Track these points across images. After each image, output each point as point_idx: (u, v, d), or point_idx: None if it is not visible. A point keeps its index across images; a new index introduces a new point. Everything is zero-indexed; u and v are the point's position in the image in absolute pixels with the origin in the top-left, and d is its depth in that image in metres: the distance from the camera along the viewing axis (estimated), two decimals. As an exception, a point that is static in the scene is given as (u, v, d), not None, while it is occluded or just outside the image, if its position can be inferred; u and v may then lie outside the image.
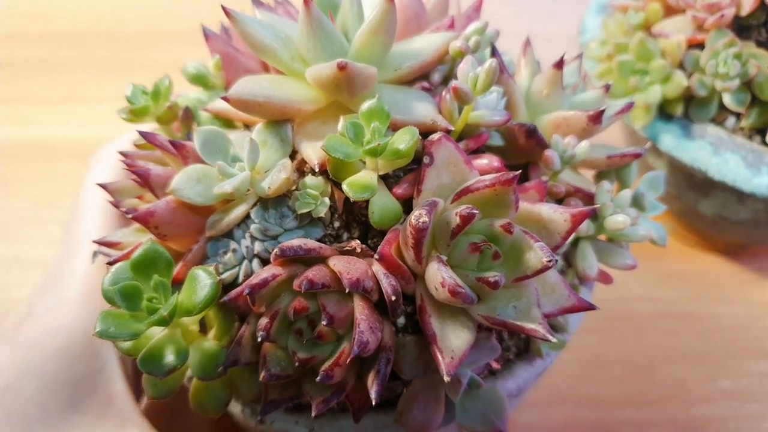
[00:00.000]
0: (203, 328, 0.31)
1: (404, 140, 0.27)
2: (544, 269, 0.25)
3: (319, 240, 0.30)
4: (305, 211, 0.29)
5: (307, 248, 0.27)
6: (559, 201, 0.34)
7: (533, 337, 0.27)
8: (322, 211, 0.29)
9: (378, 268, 0.27)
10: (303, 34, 0.29)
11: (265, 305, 0.27)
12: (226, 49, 0.35)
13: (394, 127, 0.29)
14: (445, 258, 0.26)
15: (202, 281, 0.26)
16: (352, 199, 0.27)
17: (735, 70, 0.46)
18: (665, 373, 0.59)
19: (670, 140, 0.51)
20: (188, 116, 0.36)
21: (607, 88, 0.36)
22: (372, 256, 0.29)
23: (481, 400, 0.31)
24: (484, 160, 0.30)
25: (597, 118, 0.32)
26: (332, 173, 0.29)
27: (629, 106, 0.35)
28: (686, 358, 0.60)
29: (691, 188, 0.56)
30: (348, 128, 0.27)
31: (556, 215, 0.27)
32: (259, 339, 0.26)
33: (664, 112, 0.52)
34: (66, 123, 0.84)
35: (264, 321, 0.27)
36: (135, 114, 0.35)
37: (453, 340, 0.26)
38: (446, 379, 0.25)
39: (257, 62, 0.36)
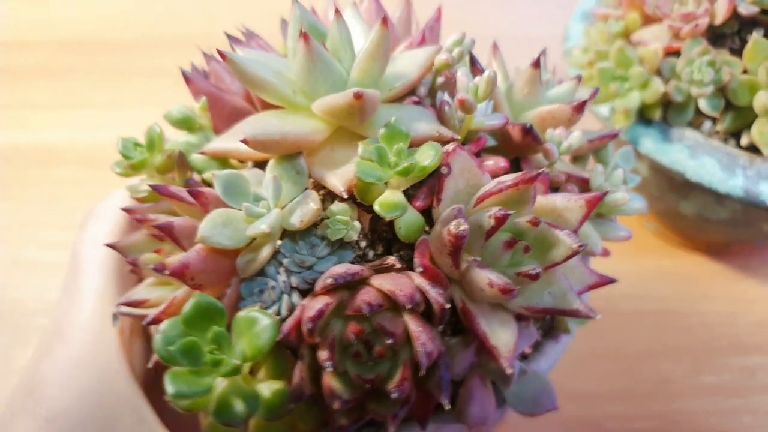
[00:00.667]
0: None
1: (429, 156, 0.28)
2: (574, 254, 0.27)
3: (351, 262, 0.30)
4: (338, 237, 0.29)
5: (353, 272, 0.28)
6: (556, 189, 0.36)
7: (576, 317, 0.28)
8: (354, 236, 0.30)
9: (421, 281, 0.28)
10: (303, 67, 0.29)
11: (319, 335, 0.28)
12: (209, 89, 0.35)
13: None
14: (479, 259, 0.27)
15: (262, 323, 0.26)
16: (386, 219, 0.28)
17: (709, 77, 0.48)
18: (650, 369, 0.61)
19: (649, 144, 0.54)
20: (183, 163, 0.35)
21: (582, 83, 0.37)
22: (404, 269, 0.30)
23: (528, 385, 0.34)
24: (491, 162, 0.32)
25: (580, 108, 0.34)
26: (359, 197, 0.30)
27: (595, 92, 0.37)
28: (671, 354, 0.62)
29: (672, 190, 0.58)
30: (373, 153, 0.28)
31: (571, 203, 0.29)
32: (330, 369, 0.27)
33: (643, 116, 0.54)
34: (64, 127, 0.86)
35: (325, 352, 0.27)
36: (134, 168, 0.34)
37: (502, 336, 0.27)
38: (509, 371, 0.27)
39: (242, 99, 0.36)
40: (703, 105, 0.50)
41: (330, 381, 0.28)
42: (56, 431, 0.31)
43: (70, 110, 0.89)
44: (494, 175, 0.31)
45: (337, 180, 0.29)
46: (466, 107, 0.30)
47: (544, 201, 0.29)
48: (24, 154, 0.82)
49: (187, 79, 0.36)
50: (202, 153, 0.33)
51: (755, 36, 0.48)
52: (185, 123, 0.37)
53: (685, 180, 0.52)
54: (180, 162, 0.35)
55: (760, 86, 0.47)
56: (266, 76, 0.30)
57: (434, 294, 0.28)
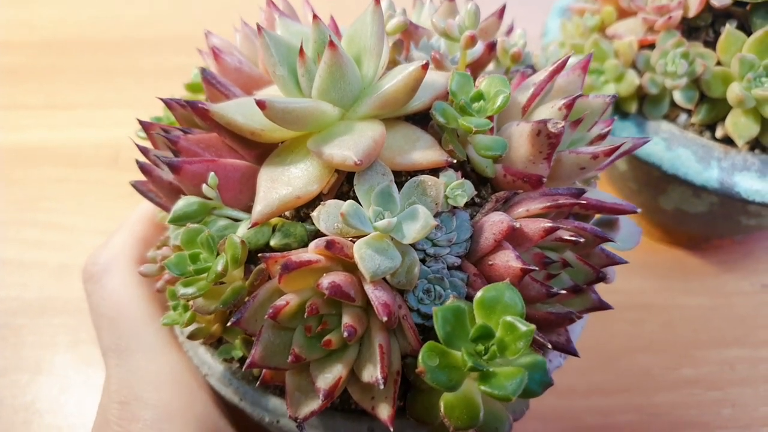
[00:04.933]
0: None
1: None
2: None
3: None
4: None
5: None
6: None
7: None
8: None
9: None
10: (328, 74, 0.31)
11: None
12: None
13: None
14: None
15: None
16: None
17: (683, 69, 0.48)
18: (630, 363, 0.61)
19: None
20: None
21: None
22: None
23: None
24: None
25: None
26: None
27: (589, 58, 0.37)
28: (650, 348, 0.62)
29: (650, 184, 0.59)
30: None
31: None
32: None
33: (619, 109, 0.54)
34: (47, 127, 0.85)
35: None
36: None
37: None
38: None
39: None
40: (678, 97, 0.51)
41: None
42: None
43: (53, 110, 0.89)
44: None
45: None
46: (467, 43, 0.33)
47: None
48: (6, 153, 0.81)
49: (170, 105, 0.36)
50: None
51: (728, 28, 0.48)
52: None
53: (662, 173, 0.52)
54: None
55: (733, 78, 0.48)
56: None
57: None
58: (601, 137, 0.37)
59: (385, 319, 0.27)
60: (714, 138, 0.51)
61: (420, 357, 0.26)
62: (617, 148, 0.34)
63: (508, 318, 0.26)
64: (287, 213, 0.34)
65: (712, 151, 0.51)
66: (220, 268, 0.28)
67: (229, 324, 0.29)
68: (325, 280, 0.28)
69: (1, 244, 0.71)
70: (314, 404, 0.29)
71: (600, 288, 0.37)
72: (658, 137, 0.52)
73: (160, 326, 0.40)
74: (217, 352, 0.36)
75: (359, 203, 0.30)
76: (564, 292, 0.30)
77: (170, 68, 0.92)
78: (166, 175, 0.34)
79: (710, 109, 0.50)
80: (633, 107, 0.53)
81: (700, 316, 0.65)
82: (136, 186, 0.37)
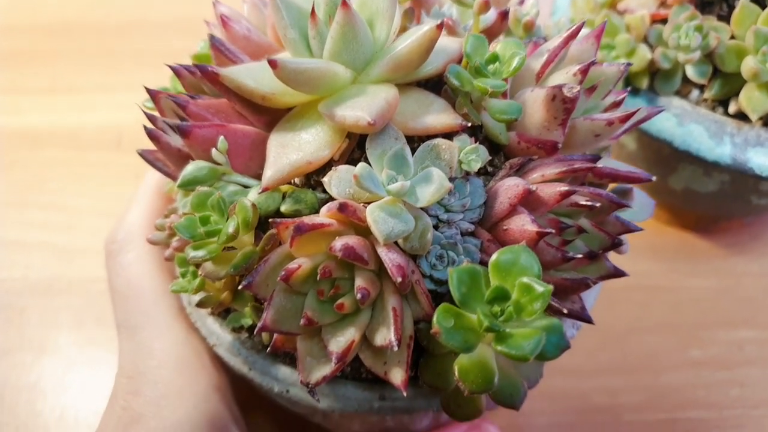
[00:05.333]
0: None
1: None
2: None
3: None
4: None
5: None
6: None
7: None
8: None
9: None
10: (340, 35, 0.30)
11: None
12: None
13: None
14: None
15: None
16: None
17: (696, 42, 0.48)
18: (638, 343, 0.61)
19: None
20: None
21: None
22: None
23: None
24: None
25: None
26: None
27: (603, 26, 0.36)
28: (658, 329, 0.62)
29: (660, 162, 0.58)
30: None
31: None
32: None
33: (630, 85, 0.54)
34: (50, 110, 0.85)
35: None
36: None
37: None
38: None
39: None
40: (691, 72, 0.50)
41: None
42: None
43: (56, 94, 0.88)
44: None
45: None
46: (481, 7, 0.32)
47: None
48: (9, 137, 0.81)
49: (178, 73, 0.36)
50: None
51: (743, 1, 0.47)
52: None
53: (673, 149, 0.52)
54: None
55: (748, 51, 0.47)
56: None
57: None
58: (616, 105, 0.36)
59: (399, 280, 0.26)
60: (727, 114, 0.51)
61: (435, 318, 0.26)
62: (632, 114, 0.33)
63: (525, 279, 0.26)
64: (297, 180, 0.34)
65: (725, 126, 0.50)
66: (231, 229, 0.27)
67: (240, 287, 0.28)
68: (338, 242, 0.27)
69: (5, 225, 0.71)
70: (326, 369, 0.29)
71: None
72: (669, 113, 0.52)
73: (169, 303, 0.39)
74: (225, 321, 0.36)
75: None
76: (580, 256, 0.30)
77: (174, 51, 0.90)
78: (175, 141, 0.34)
79: (723, 83, 0.50)
80: (644, 83, 0.53)
81: (708, 298, 0.64)
82: (144, 155, 0.36)
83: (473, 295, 0.26)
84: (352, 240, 0.28)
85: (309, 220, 0.28)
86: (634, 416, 0.57)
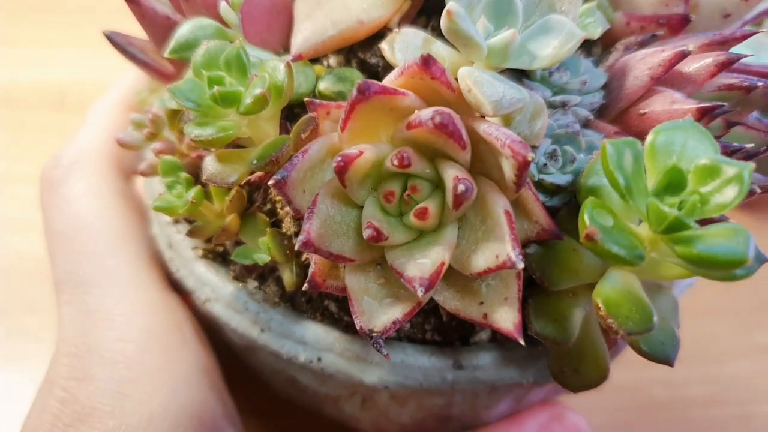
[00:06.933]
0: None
1: None
2: None
3: None
4: None
5: None
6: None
7: None
8: None
9: None
10: None
11: None
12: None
13: None
14: None
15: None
16: None
17: None
18: (695, 329, 0.53)
19: None
20: None
21: None
22: None
23: None
24: None
25: None
26: None
27: None
28: (713, 312, 0.55)
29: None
30: None
31: None
32: None
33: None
34: (31, 67, 0.74)
35: None
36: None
37: None
38: None
39: None
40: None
41: None
42: None
43: (34, 50, 0.77)
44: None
45: None
46: None
47: None
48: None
49: None
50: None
51: None
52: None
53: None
54: None
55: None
56: None
57: None
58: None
59: (520, 159, 0.17)
60: None
61: (586, 215, 0.17)
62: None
63: (704, 161, 0.17)
64: (332, 61, 0.25)
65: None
66: (259, 90, 0.18)
67: (271, 182, 0.19)
68: (426, 112, 0.18)
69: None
70: (397, 310, 0.19)
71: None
72: None
73: (135, 251, 0.28)
74: (232, 254, 0.25)
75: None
76: (751, 145, 0.21)
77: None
78: (162, 6, 0.24)
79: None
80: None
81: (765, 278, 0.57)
82: (112, 37, 0.26)
83: (636, 181, 0.17)
84: (444, 110, 0.19)
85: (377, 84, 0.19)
86: (700, 412, 0.48)
